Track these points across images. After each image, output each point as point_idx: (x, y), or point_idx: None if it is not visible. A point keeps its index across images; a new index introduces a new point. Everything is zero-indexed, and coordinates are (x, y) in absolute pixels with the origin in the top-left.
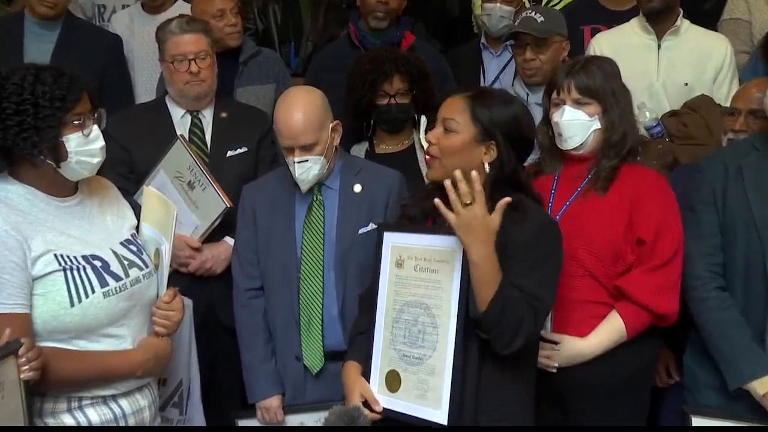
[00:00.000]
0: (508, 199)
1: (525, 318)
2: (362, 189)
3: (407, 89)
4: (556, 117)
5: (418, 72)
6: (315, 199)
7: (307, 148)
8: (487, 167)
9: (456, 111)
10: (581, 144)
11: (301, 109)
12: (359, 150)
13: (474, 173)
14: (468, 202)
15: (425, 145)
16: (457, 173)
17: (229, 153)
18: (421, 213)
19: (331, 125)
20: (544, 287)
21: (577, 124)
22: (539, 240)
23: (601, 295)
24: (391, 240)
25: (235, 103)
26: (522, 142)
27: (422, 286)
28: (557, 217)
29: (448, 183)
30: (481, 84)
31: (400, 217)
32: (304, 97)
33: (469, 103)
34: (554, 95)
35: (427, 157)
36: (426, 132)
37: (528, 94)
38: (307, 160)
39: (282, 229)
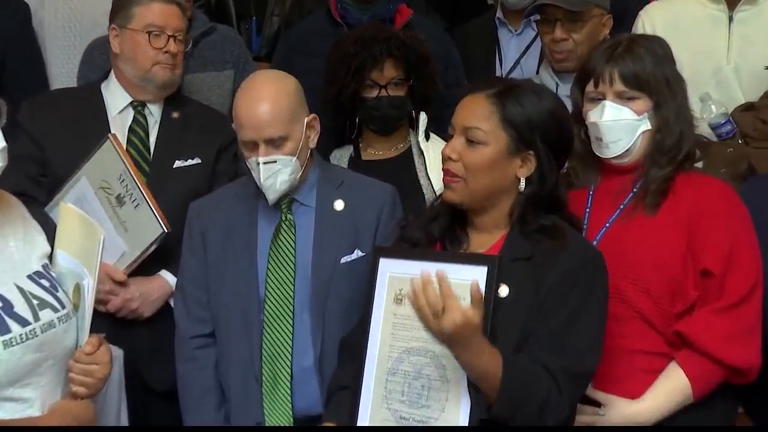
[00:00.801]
0: (476, 283)
1: (550, 399)
2: (345, 206)
3: (402, 78)
4: (593, 116)
5: (415, 56)
6: (284, 218)
7: (275, 144)
8: (522, 184)
9: (480, 116)
10: (626, 150)
11: (269, 94)
12: (341, 156)
13: (439, 272)
14: (439, 308)
15: (428, 150)
16: (424, 274)
17: (177, 164)
18: (426, 238)
19: (306, 120)
20: (584, 349)
21: (622, 126)
22: (578, 280)
23: (655, 343)
24: (389, 269)
25: (192, 102)
26: (562, 146)
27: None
28: (594, 242)
29: (417, 284)
30: (498, 71)
31: (399, 242)
32: (274, 80)
33: (497, 103)
34: (590, 87)
35: (446, 177)
36: (426, 133)
37: (558, 84)
38: (275, 161)
39: (241, 258)
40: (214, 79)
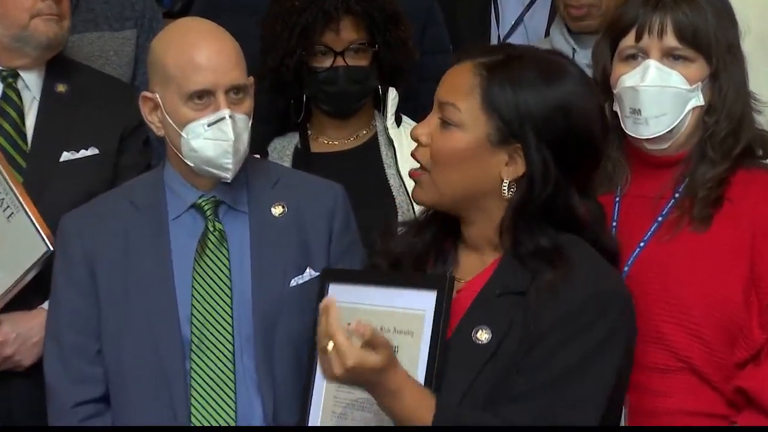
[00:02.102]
0: (366, 327)
1: None
2: (285, 212)
3: (364, 42)
4: (630, 79)
5: (382, 12)
6: (211, 228)
7: (237, 94)
8: (506, 188)
9: (459, 90)
10: (670, 131)
11: (221, 34)
12: (283, 148)
13: (328, 301)
14: (325, 344)
15: (399, 138)
16: (323, 303)
17: (65, 156)
18: (410, 254)
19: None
20: (573, 410)
21: (669, 95)
22: (579, 322)
23: (710, 402)
24: (338, 297)
25: (84, 69)
26: (579, 148)
27: None
28: (625, 269)
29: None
30: (495, 32)
31: (373, 258)
32: (214, 25)
33: (483, 78)
34: (627, 42)
35: (412, 169)
36: (397, 116)
37: (575, 50)
38: (240, 119)
39: (150, 286)
40: (109, 42)
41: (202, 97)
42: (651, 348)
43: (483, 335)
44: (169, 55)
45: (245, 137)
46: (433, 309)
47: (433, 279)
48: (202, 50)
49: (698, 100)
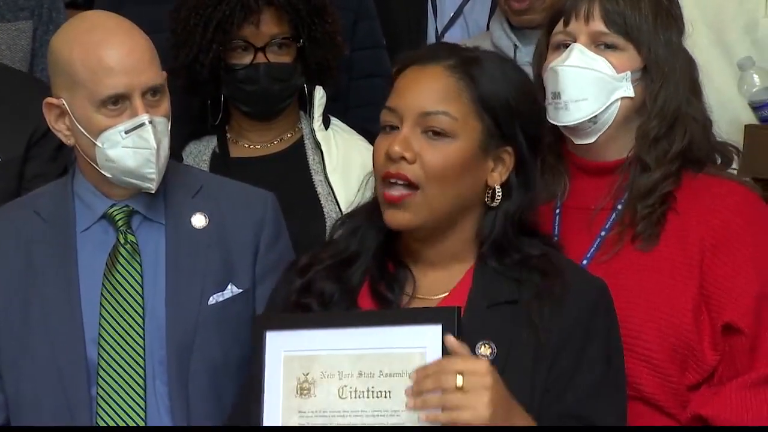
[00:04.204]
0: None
1: None
2: (208, 223)
3: (288, 37)
4: (555, 62)
5: (307, 5)
6: (122, 240)
7: (154, 95)
8: (499, 195)
9: (446, 96)
10: (592, 119)
11: (131, 29)
12: (199, 153)
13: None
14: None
15: (328, 142)
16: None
17: None
18: (344, 292)
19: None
20: (621, 408)
21: (590, 78)
22: (597, 324)
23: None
24: (283, 346)
25: None
26: (539, 139)
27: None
28: None
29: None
30: (432, 26)
31: (291, 308)
32: (122, 19)
33: (465, 79)
34: (558, 29)
35: (390, 190)
36: (325, 117)
37: (516, 47)
38: (158, 124)
39: (53, 305)
40: (1, 34)
41: (117, 102)
42: None
43: (486, 350)
44: (74, 56)
45: (166, 142)
46: (441, 345)
47: (432, 312)
48: (112, 50)
49: (627, 90)
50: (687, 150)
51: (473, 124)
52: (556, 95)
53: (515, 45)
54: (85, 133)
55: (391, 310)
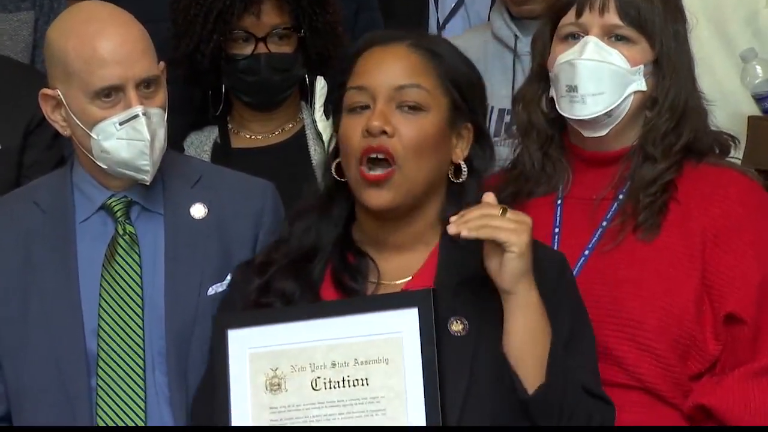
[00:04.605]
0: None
1: (594, 414)
2: (208, 213)
3: (289, 27)
4: (568, 54)
5: None
6: (121, 231)
7: (148, 87)
8: (464, 170)
9: (416, 70)
10: (608, 113)
11: (127, 20)
12: (200, 143)
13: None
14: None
15: (327, 130)
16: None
17: None
18: (306, 287)
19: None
20: (593, 371)
21: (607, 72)
22: (563, 291)
23: (667, 417)
24: (247, 344)
25: None
26: (485, 113)
27: (337, 417)
28: None
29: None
30: (434, 17)
31: (251, 307)
32: (117, 9)
33: (428, 55)
34: (566, 20)
35: (370, 171)
36: (326, 107)
37: (517, 36)
38: (152, 116)
39: (53, 296)
40: (3, 24)
41: (110, 94)
42: (601, 365)
43: (458, 326)
44: (68, 47)
45: (161, 134)
46: (418, 328)
47: (404, 296)
48: (105, 41)
49: (640, 84)
50: (691, 142)
51: (441, 99)
52: (573, 88)
53: (515, 35)
54: (81, 125)
55: (362, 298)
